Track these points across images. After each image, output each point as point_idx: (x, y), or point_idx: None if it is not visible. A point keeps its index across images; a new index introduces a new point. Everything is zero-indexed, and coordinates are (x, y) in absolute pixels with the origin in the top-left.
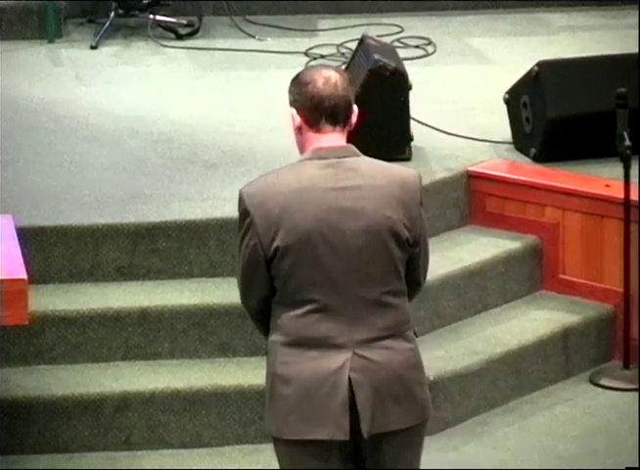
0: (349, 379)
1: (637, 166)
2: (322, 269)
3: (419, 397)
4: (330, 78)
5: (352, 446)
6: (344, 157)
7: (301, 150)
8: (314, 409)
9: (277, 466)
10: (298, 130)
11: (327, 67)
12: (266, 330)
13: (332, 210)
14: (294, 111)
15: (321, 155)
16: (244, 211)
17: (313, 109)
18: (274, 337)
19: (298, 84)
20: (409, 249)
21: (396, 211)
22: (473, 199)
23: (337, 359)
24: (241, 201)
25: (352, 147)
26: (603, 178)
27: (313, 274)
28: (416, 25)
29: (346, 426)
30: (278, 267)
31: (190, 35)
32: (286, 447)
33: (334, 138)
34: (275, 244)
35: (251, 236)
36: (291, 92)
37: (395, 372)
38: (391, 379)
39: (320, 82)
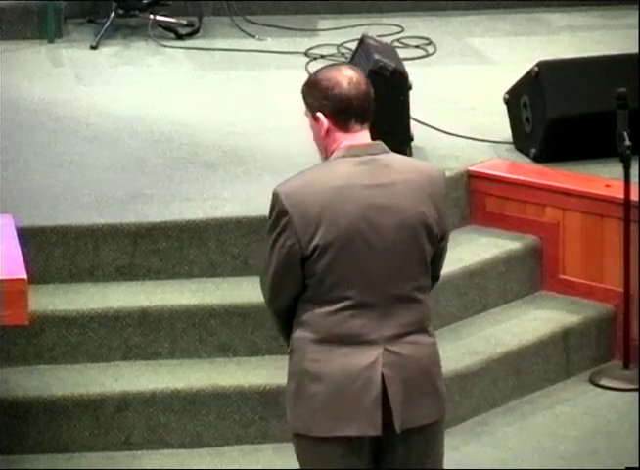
0: (382, 375)
1: (637, 166)
2: (358, 266)
3: (441, 390)
4: (352, 78)
5: (374, 444)
6: (377, 154)
7: (327, 151)
8: (346, 406)
9: (277, 466)
10: (326, 133)
11: (340, 65)
12: (288, 329)
13: (369, 206)
14: (320, 115)
15: (354, 152)
16: (280, 211)
17: (342, 111)
18: (301, 334)
19: (322, 88)
20: (437, 244)
21: (428, 206)
22: (473, 199)
23: (368, 355)
24: (277, 201)
25: (382, 143)
26: (603, 178)
27: (350, 271)
28: (416, 25)
29: (379, 421)
30: (315, 266)
31: (190, 35)
32: (313, 445)
33: (363, 136)
34: (314, 242)
35: (288, 236)
36: (314, 97)
37: (423, 366)
38: (419, 373)
39: (345, 83)
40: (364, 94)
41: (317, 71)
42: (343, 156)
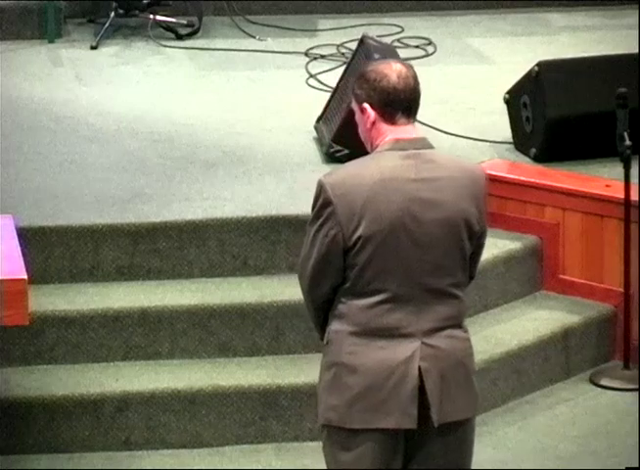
0: (419, 368)
1: (637, 166)
2: (399, 259)
3: (475, 386)
4: (402, 72)
5: (407, 438)
6: (421, 148)
7: (372, 143)
8: (382, 398)
9: (277, 466)
10: (372, 125)
11: (392, 61)
12: (323, 321)
13: (413, 200)
14: (367, 106)
15: (400, 146)
16: (325, 201)
17: (390, 103)
18: (339, 326)
19: (370, 80)
20: (476, 242)
21: (470, 203)
22: None
23: (406, 349)
24: (322, 191)
25: (427, 139)
26: (603, 178)
27: (390, 264)
28: (416, 25)
29: (415, 414)
30: (356, 257)
31: (190, 35)
32: (347, 437)
33: (409, 130)
34: (357, 234)
35: (332, 225)
36: (361, 88)
37: (459, 360)
38: (456, 367)
39: (394, 76)
40: (412, 88)
41: (367, 65)
42: (390, 149)
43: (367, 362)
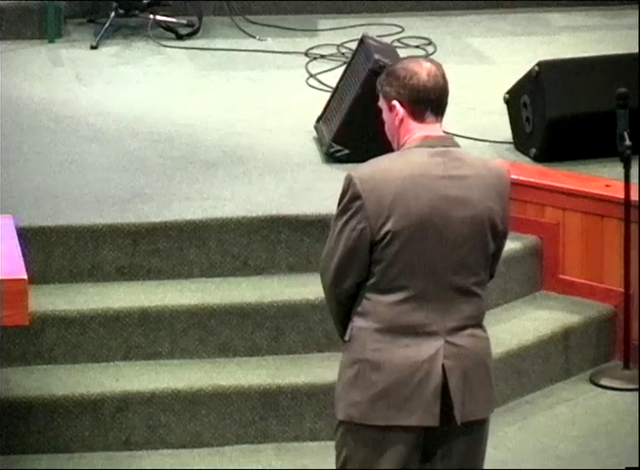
0: (443, 366)
1: (637, 166)
2: (425, 256)
3: (493, 385)
4: (431, 70)
5: (428, 435)
6: (449, 146)
7: (399, 140)
8: (405, 396)
9: (277, 466)
10: (400, 122)
11: (422, 58)
12: (344, 317)
13: (442, 197)
14: (396, 103)
15: (429, 143)
16: (353, 195)
17: (420, 101)
18: (363, 323)
19: (400, 77)
20: (499, 241)
21: (496, 202)
22: None
23: (429, 347)
24: (351, 185)
25: (453, 137)
26: (603, 178)
27: (416, 260)
28: (416, 25)
29: (437, 412)
30: (382, 253)
31: (190, 35)
32: (368, 434)
33: (437, 128)
34: (385, 229)
35: (360, 220)
36: (391, 85)
37: (481, 359)
38: (478, 366)
39: (424, 74)
40: (441, 87)
41: (395, 62)
42: (419, 146)
43: (393, 359)
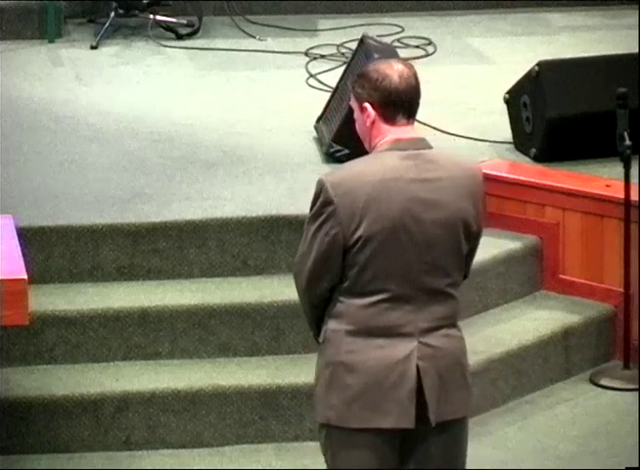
0: (417, 367)
1: (637, 166)
2: (399, 260)
3: (470, 384)
4: (403, 73)
5: (404, 437)
6: (422, 148)
7: (371, 142)
8: (380, 398)
9: (277, 466)
10: (372, 124)
11: (393, 60)
12: (319, 320)
13: (414, 200)
14: (367, 105)
15: (401, 146)
16: (326, 201)
17: (391, 103)
18: (336, 325)
19: (372, 80)
20: (472, 241)
21: (469, 203)
22: None
23: (403, 348)
24: (323, 190)
25: (426, 139)
26: (603, 178)
27: (390, 264)
28: (416, 25)
29: (413, 414)
30: (356, 257)
31: (190, 35)
32: (346, 436)
33: (409, 130)
34: (358, 234)
35: (333, 225)
36: (362, 87)
37: (456, 359)
38: (453, 366)
39: (395, 77)
40: (413, 89)
41: (368, 64)
42: (390, 149)
43: (366, 361)
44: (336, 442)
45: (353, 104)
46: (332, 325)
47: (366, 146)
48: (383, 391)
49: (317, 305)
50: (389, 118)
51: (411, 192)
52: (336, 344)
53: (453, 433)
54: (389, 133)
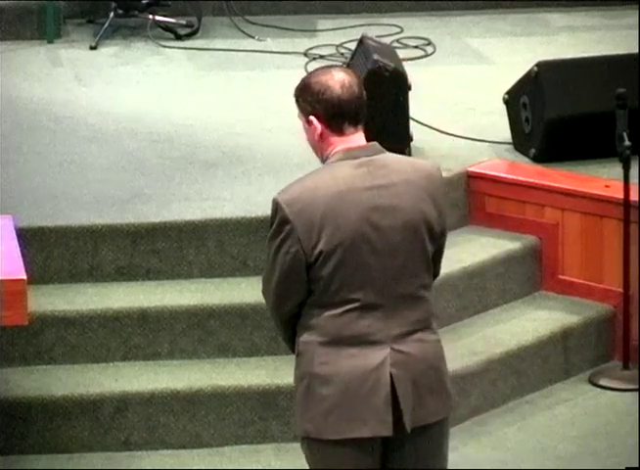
0: (390, 375)
1: (637, 167)
2: (363, 269)
3: (448, 387)
4: (345, 82)
5: (384, 444)
6: (373, 155)
7: (322, 154)
8: (356, 407)
9: (277, 466)
10: (320, 137)
11: (332, 68)
12: (292, 333)
13: (371, 209)
14: (313, 118)
15: (352, 155)
16: (282, 220)
17: (336, 115)
18: (308, 337)
19: (314, 92)
20: (437, 241)
21: (428, 204)
22: (472, 199)
23: (376, 356)
24: (278, 209)
25: (377, 144)
26: (603, 178)
27: (355, 274)
28: (416, 26)
29: (390, 421)
30: (319, 271)
31: (189, 36)
32: (325, 448)
33: (358, 138)
34: (318, 248)
35: (292, 243)
36: (306, 101)
37: (430, 364)
38: (427, 371)
39: (337, 88)
40: (356, 97)
41: (309, 75)
42: (342, 159)
43: (339, 371)
44: (316, 454)
45: (300, 117)
46: (304, 337)
47: (318, 158)
48: (358, 400)
49: (287, 321)
50: (337, 129)
51: (367, 201)
52: (309, 356)
53: (431, 436)
54: (339, 143)
